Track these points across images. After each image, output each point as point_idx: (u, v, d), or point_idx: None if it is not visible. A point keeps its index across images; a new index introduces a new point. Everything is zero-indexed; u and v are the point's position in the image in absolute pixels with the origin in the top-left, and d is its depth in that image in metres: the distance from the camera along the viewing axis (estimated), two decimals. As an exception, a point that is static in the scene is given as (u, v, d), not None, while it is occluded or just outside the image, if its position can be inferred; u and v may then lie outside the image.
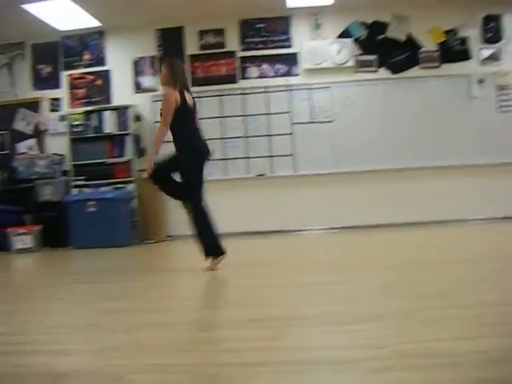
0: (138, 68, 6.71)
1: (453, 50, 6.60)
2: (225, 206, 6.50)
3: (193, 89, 6.52)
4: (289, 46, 6.64)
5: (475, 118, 6.51)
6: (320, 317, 2.34)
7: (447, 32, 6.60)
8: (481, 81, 6.54)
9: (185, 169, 3.77)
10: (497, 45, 6.60)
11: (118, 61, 6.76)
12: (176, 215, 6.56)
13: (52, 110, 6.85)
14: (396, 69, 6.58)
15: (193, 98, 3.90)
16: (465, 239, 5.26)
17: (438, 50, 6.59)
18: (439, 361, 1.66)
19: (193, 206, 3.78)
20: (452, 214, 6.42)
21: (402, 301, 2.57)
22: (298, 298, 2.79)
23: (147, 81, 6.74)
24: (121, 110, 6.50)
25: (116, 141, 6.55)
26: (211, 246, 3.80)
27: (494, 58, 6.60)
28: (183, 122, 3.73)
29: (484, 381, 1.49)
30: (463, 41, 6.60)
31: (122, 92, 6.68)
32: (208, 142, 3.97)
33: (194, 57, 6.69)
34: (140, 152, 6.62)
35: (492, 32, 6.59)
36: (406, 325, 2.13)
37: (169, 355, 1.89)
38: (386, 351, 1.78)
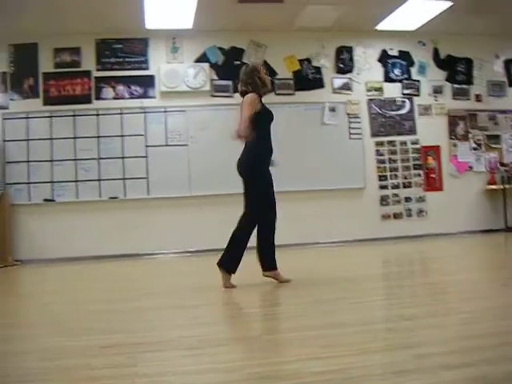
0: (-13, 84, 6.44)
1: (307, 79, 6.84)
2: (76, 230, 6.42)
3: (46, 108, 6.54)
4: (146, 68, 6.61)
5: (328, 145, 6.78)
6: (174, 342, 2.33)
7: (302, 61, 6.83)
8: (333, 109, 6.82)
9: None
10: (348, 75, 6.91)
11: (-34, 76, 6.45)
12: (25, 238, 6.40)
13: None
14: (251, 95, 6.71)
15: None
16: (319, 262, 5.41)
17: (292, 78, 6.81)
18: (290, 382, 1.69)
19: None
20: (303, 238, 6.63)
21: (256, 324, 2.63)
22: (152, 323, 2.76)
23: (-2, 98, 6.48)
24: (-32, 128, 6.25)
25: (-38, 159, 6.28)
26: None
27: (345, 87, 6.91)
28: None
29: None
30: (317, 70, 6.86)
31: (-31, 108, 6.38)
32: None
33: (48, 75, 6.50)
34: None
35: (344, 63, 6.89)
36: (258, 347, 2.16)
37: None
38: (237, 374, 1.80)
